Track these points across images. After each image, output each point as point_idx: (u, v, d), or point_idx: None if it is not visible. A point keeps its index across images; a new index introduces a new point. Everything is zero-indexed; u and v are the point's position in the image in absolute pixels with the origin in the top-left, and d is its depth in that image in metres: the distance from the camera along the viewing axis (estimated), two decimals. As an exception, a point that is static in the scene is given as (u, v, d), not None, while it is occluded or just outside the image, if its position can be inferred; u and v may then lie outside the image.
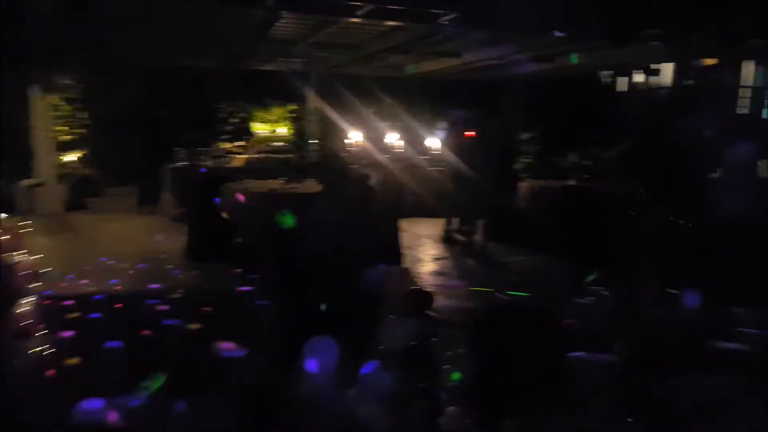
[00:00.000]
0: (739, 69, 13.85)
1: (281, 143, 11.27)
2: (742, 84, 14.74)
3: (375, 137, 10.31)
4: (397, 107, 11.53)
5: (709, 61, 11.66)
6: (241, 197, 5.83)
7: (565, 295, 4.57)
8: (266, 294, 4.32)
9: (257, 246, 5.46)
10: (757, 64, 15.32)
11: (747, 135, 12.68)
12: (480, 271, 5.81)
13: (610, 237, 5.40)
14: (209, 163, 8.96)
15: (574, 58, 7.55)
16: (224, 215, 6.19)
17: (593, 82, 13.24)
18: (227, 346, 3.69)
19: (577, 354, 2.85)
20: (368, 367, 3.03)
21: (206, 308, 4.31)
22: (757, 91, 15.52)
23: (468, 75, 10.35)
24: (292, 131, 12.04)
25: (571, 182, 7.42)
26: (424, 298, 4.30)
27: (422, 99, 11.16)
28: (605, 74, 14.74)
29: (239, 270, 5.28)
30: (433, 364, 3.15)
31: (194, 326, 4.05)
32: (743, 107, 14.87)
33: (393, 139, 9.80)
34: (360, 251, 4.23)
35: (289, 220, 3.85)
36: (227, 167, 8.84)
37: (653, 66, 14.17)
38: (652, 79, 16.60)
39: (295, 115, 12.14)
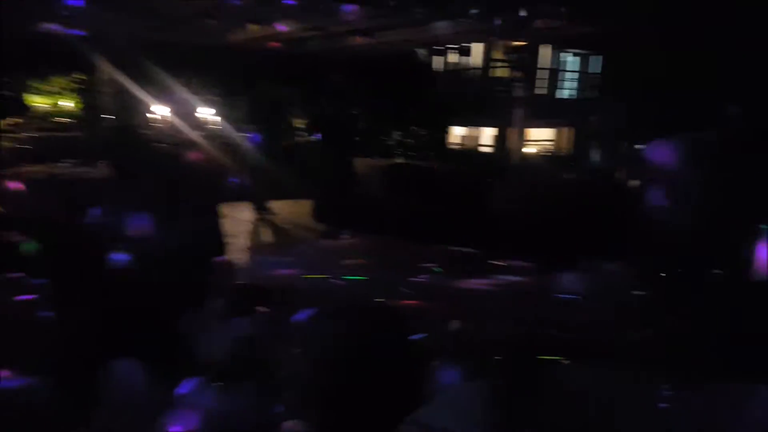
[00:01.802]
0: (536, 52, 15.18)
1: (67, 119, 9.76)
2: (539, 66, 16.25)
3: (186, 112, 9.36)
4: (211, 79, 10.65)
5: (510, 45, 12.43)
6: (16, 185, 4.82)
7: (401, 275, 4.44)
8: (54, 304, 3.54)
9: (40, 244, 4.53)
10: (552, 48, 16.96)
11: (542, 113, 13.97)
12: (313, 256, 5.46)
13: (444, 214, 5.40)
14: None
15: None
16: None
17: (413, 60, 13.54)
18: (2, 374, 2.95)
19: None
20: (185, 386, 2.55)
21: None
22: (552, 73, 17.22)
23: (287, 47, 9.84)
24: (80, 105, 10.50)
25: (399, 160, 7.39)
26: (254, 293, 3.85)
27: (239, 72, 10.43)
28: (422, 52, 15.22)
29: (18, 274, 4.34)
30: (267, 373, 2.72)
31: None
32: (541, 88, 16.41)
33: (207, 114, 8.98)
34: (173, 244, 3.71)
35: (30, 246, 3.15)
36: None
37: (464, 45, 14.93)
38: (463, 59, 17.62)
39: (83, 86, 10.58)
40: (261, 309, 3.63)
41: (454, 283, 4.20)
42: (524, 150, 7.79)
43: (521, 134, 8.92)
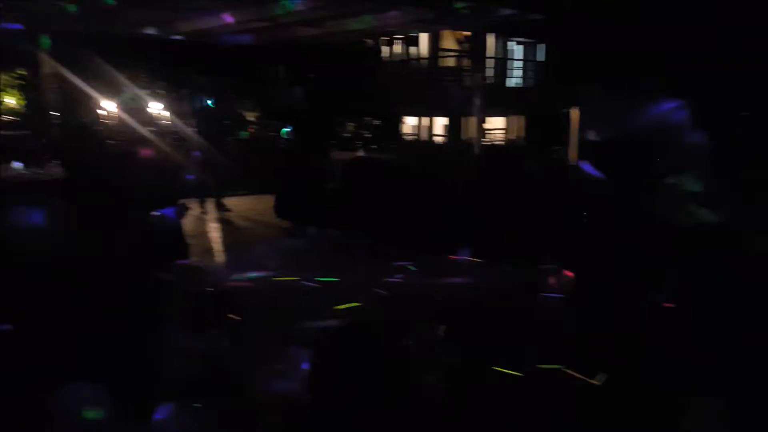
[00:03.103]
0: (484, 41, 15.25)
1: (12, 117, 9.14)
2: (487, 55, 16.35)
3: (134, 108, 8.90)
4: (160, 73, 10.19)
5: (458, 34, 12.40)
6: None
7: (375, 274, 4.33)
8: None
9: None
10: (497, 37, 17.10)
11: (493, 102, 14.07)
12: (280, 257, 5.26)
13: (411, 210, 5.29)
14: None
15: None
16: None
17: (361, 50, 13.34)
18: None
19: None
20: (162, 411, 2.41)
21: None
22: (498, 62, 17.37)
23: (238, 38, 9.48)
24: (23, 102, 9.88)
25: (360, 153, 7.25)
26: (223, 299, 3.69)
27: (188, 64, 10.02)
28: (370, 42, 15.04)
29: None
30: (247, 388, 2.61)
31: None
32: (490, 76, 16.53)
33: (157, 109, 8.58)
34: (132, 250, 3.45)
35: None
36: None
37: (411, 34, 14.82)
38: (411, 50, 17.56)
39: (25, 82, 9.97)
40: (233, 317, 3.45)
41: (432, 281, 4.11)
42: (482, 140, 7.77)
43: (476, 123, 8.91)
